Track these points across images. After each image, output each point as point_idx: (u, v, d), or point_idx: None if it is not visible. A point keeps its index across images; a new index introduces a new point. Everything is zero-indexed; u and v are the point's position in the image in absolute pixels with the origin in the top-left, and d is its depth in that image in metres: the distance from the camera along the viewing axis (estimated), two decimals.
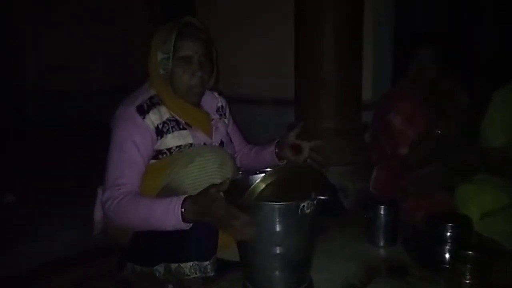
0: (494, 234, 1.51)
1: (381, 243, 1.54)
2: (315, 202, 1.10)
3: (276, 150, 1.47)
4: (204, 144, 1.35)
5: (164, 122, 1.29)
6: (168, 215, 1.10)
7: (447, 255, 1.36)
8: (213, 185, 1.08)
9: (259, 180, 1.31)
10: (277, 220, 1.10)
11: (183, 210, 1.09)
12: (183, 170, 1.21)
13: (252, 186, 1.30)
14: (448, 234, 1.37)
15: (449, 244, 1.36)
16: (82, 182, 1.52)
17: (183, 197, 1.10)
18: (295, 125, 2.23)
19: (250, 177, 1.37)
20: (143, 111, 1.26)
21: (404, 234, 1.57)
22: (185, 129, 1.33)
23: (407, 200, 1.84)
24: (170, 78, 1.31)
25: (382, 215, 1.53)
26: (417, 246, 1.47)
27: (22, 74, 4.20)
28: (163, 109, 1.31)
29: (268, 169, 1.39)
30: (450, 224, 1.36)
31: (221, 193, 1.12)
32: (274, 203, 1.09)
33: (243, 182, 1.34)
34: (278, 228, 1.11)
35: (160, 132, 1.28)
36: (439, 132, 1.84)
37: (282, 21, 2.64)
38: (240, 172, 1.35)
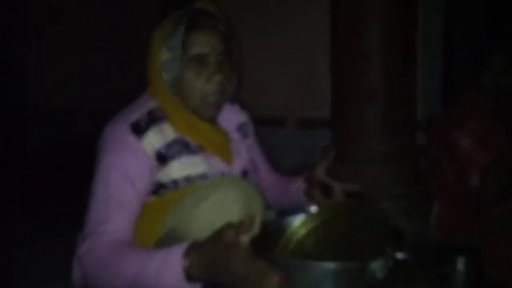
0: None
1: None
2: (390, 262, 0.76)
3: (304, 187, 1.16)
4: (222, 174, 1.03)
5: (168, 145, 1.01)
6: (166, 271, 0.81)
7: None
8: (230, 226, 0.79)
9: (297, 223, 0.99)
10: None
11: (186, 263, 0.79)
12: (193, 211, 0.91)
13: (287, 233, 0.98)
14: None
15: None
16: (73, 218, 1.23)
17: (186, 244, 0.81)
18: (332, 148, 1.94)
19: (285, 219, 1.04)
20: (139, 130, 0.98)
21: None
22: (196, 153, 1.02)
23: (486, 247, 1.46)
24: (178, 85, 1.02)
25: (464, 271, 1.17)
26: None
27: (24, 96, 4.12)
28: (167, 127, 1.02)
29: (312, 207, 1.06)
30: None
31: (245, 240, 0.82)
32: (328, 262, 0.77)
33: (274, 226, 1.02)
34: None
35: (162, 159, 1.00)
36: None
37: (313, 24, 2.36)
38: (271, 211, 1.02)
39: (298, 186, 1.18)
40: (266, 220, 1.01)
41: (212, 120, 1.11)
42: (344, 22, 1.74)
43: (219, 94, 1.03)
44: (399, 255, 0.77)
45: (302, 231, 1.00)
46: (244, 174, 1.12)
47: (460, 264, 1.17)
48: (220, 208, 0.88)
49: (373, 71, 1.67)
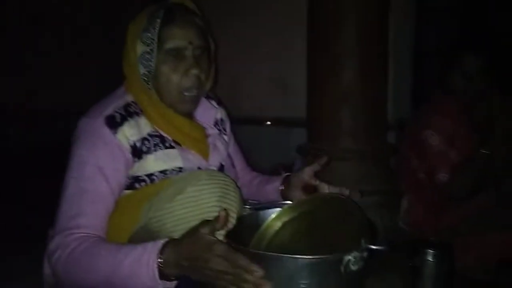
0: None
1: None
2: (365, 254, 0.77)
3: (282, 187, 1.15)
4: (199, 168, 1.02)
5: (143, 139, 0.99)
6: (139, 269, 0.80)
7: None
8: (206, 223, 0.79)
9: (273, 216, 0.99)
10: (305, 281, 0.79)
11: (160, 261, 0.78)
12: (168, 206, 0.89)
13: (263, 226, 0.98)
14: None
15: None
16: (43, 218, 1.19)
17: (161, 242, 0.81)
18: (307, 147, 1.95)
19: (261, 213, 1.04)
20: (114, 124, 0.96)
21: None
22: (172, 147, 1.00)
23: (453, 240, 1.50)
24: (154, 79, 1.01)
25: (434, 264, 1.20)
26: None
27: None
28: (143, 121, 1.01)
29: (287, 202, 1.07)
30: None
31: (220, 235, 0.83)
32: (302, 256, 0.77)
33: (250, 220, 1.02)
34: None
35: (138, 152, 0.98)
36: (487, 153, 1.53)
37: (290, 26, 2.38)
38: (247, 206, 1.02)
39: (276, 186, 1.17)
40: (241, 214, 1.00)
41: (189, 115, 1.10)
42: (319, 24, 1.75)
43: (196, 88, 1.02)
44: (374, 248, 0.78)
45: (278, 225, 1.00)
46: (221, 169, 1.11)
47: (430, 257, 1.20)
48: (196, 202, 0.87)
49: (346, 72, 1.69)
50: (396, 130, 2.33)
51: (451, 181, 1.59)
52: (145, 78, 1.00)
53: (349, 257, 0.76)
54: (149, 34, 0.98)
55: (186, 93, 1.01)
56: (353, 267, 0.77)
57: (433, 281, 1.20)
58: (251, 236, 0.99)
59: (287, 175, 1.17)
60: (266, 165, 2.03)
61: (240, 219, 0.98)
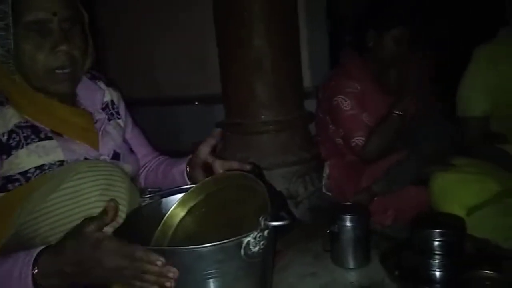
0: (484, 232, 1.24)
1: (351, 264, 1.20)
2: (266, 233, 0.71)
3: (188, 169, 1.06)
4: (86, 159, 0.89)
5: (10, 132, 0.84)
6: (10, 285, 0.68)
7: (438, 272, 1.05)
8: (90, 219, 0.70)
9: (176, 204, 0.91)
10: (209, 270, 0.73)
11: (35, 272, 0.68)
12: (41, 207, 0.76)
13: (166, 215, 0.89)
14: (438, 243, 1.06)
15: (440, 256, 1.06)
16: None
17: (35, 251, 0.70)
18: (225, 122, 1.86)
19: (164, 200, 0.95)
20: None
21: (378, 248, 1.25)
22: (50, 138, 0.86)
23: (371, 201, 1.52)
24: (15, 60, 0.85)
25: (350, 228, 1.19)
26: (398, 263, 1.15)
27: None
28: (10, 111, 0.86)
29: (190, 185, 0.98)
30: (437, 231, 1.05)
31: (108, 231, 0.73)
32: (199, 246, 0.69)
33: (152, 210, 0.92)
34: (213, 284, 0.70)
35: (5, 148, 0.84)
36: (399, 113, 1.54)
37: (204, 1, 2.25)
38: (147, 195, 0.91)
39: (181, 169, 1.08)
40: (141, 205, 0.90)
41: (70, 99, 0.95)
42: None
43: (69, 67, 0.88)
44: (275, 223, 0.72)
45: (181, 213, 0.92)
46: (116, 157, 0.99)
47: (346, 222, 1.18)
48: (76, 198, 0.75)
49: (256, 41, 1.61)
50: (315, 97, 2.31)
51: (366, 143, 1.59)
52: (3, 59, 0.84)
53: (247, 239, 0.70)
54: (1, 6, 0.81)
55: (56, 74, 0.87)
56: (254, 248, 0.70)
57: (351, 244, 1.19)
58: (156, 227, 0.91)
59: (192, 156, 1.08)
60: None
61: (138, 210, 0.88)
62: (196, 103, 2.98)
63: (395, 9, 1.61)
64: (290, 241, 1.41)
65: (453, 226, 1.08)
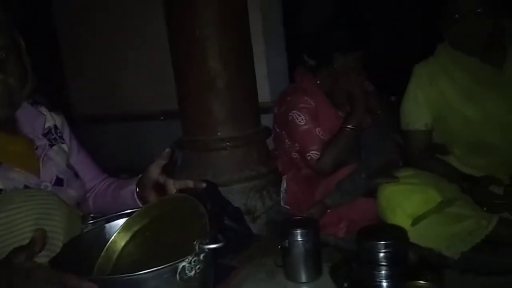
0: (428, 242, 1.29)
1: (303, 278, 1.22)
2: (202, 256, 0.71)
3: (138, 190, 1.04)
4: (26, 187, 0.87)
5: None
6: None
7: (385, 283, 1.08)
8: (20, 249, 0.69)
9: (120, 229, 0.90)
10: None
11: None
12: None
13: (109, 242, 0.88)
14: (382, 254, 1.09)
15: (385, 267, 1.09)
16: None
17: None
18: (183, 139, 1.85)
19: (107, 226, 0.94)
20: None
21: (331, 261, 1.27)
22: None
23: (325, 214, 1.55)
24: None
25: (300, 243, 1.21)
26: (348, 276, 1.17)
27: None
28: None
29: (135, 209, 0.97)
30: (381, 242, 1.08)
31: (43, 261, 0.72)
32: (132, 274, 0.70)
33: (96, 236, 0.91)
34: None
35: None
36: (352, 127, 1.59)
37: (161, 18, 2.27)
38: (90, 221, 0.90)
39: (132, 189, 1.06)
40: (83, 232, 0.89)
41: (9, 126, 0.94)
42: (177, 13, 1.65)
43: (5, 95, 0.86)
44: (211, 245, 0.73)
45: (127, 237, 0.91)
46: (59, 183, 0.97)
47: (297, 236, 1.20)
48: (9, 229, 0.74)
49: (210, 61, 1.62)
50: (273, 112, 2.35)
51: (321, 157, 1.62)
52: None
53: (182, 264, 0.70)
54: None
55: None
56: (190, 273, 0.71)
57: (302, 258, 1.21)
58: (99, 253, 0.89)
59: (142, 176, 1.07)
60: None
61: (79, 237, 0.87)
62: (162, 118, 2.98)
63: (357, 32, 1.67)
64: (247, 256, 1.42)
65: (396, 237, 1.12)
